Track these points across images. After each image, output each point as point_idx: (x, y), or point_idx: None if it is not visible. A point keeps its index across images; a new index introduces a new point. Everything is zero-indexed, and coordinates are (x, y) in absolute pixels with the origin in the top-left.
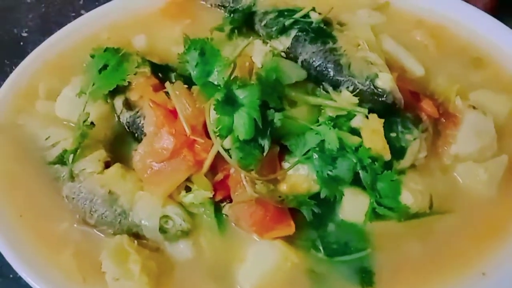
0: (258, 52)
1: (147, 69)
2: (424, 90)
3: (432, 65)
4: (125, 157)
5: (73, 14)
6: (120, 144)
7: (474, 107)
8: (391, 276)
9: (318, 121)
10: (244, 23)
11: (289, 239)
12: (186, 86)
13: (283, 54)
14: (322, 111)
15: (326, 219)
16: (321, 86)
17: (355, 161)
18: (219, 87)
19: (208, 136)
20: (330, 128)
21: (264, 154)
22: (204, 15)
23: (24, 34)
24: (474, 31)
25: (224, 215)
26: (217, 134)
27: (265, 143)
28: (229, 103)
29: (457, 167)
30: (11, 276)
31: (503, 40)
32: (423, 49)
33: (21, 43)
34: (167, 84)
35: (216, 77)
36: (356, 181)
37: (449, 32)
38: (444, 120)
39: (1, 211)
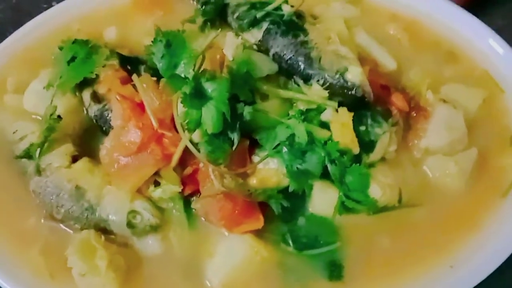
0: (229, 45)
1: (115, 62)
2: (396, 84)
3: (405, 59)
4: (94, 151)
5: (45, 5)
6: (88, 138)
7: (444, 101)
8: (361, 269)
9: (288, 114)
10: (217, 15)
11: (258, 233)
12: (155, 79)
13: (254, 47)
14: (294, 104)
15: (296, 213)
16: (292, 80)
17: (323, 155)
18: (186, 80)
19: (176, 129)
20: (299, 122)
21: (234, 148)
22: (177, 7)
23: None
24: (447, 25)
25: (193, 210)
26: (185, 127)
27: (235, 137)
28: (197, 96)
29: (427, 160)
30: None
31: (476, 34)
32: (396, 43)
33: None
34: (134, 76)
35: (183, 70)
36: (325, 175)
37: (423, 26)
38: (414, 114)
39: None
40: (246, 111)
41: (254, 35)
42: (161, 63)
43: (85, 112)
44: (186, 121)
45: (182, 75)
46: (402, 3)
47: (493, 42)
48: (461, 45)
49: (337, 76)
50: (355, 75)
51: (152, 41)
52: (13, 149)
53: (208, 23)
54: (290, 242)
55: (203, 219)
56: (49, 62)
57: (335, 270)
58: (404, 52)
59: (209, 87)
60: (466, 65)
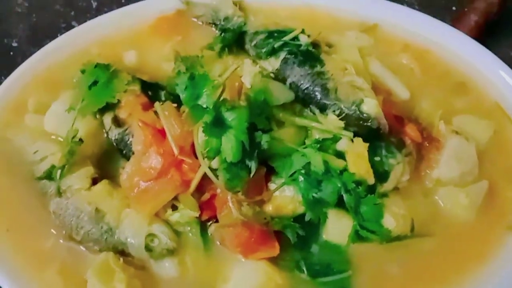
0: (247, 73)
1: (136, 87)
2: (409, 114)
3: (417, 89)
4: (113, 174)
5: (64, 25)
6: (108, 161)
7: (457, 132)
8: None
9: (304, 143)
10: (235, 42)
11: (273, 260)
12: (175, 105)
13: (272, 75)
14: (309, 132)
15: (310, 241)
16: (308, 109)
17: (339, 185)
18: (207, 110)
19: (196, 156)
20: (316, 151)
21: (251, 175)
22: (195, 32)
23: (14, 44)
24: (458, 55)
25: (209, 235)
26: (204, 155)
27: (252, 165)
28: (218, 125)
29: (439, 191)
30: None
31: (486, 65)
32: (408, 73)
33: (11, 53)
34: (156, 104)
35: (205, 100)
36: (340, 203)
37: (434, 55)
38: (427, 144)
39: None
40: (264, 140)
41: (272, 64)
42: (184, 94)
43: (105, 135)
44: (206, 149)
45: (204, 106)
46: (414, 32)
47: (503, 73)
48: (472, 75)
49: (353, 107)
50: (371, 107)
51: (175, 74)
52: (33, 169)
53: (226, 49)
54: (304, 269)
55: (218, 243)
56: (69, 84)
57: None
58: (416, 81)
59: (229, 116)
60: (476, 96)
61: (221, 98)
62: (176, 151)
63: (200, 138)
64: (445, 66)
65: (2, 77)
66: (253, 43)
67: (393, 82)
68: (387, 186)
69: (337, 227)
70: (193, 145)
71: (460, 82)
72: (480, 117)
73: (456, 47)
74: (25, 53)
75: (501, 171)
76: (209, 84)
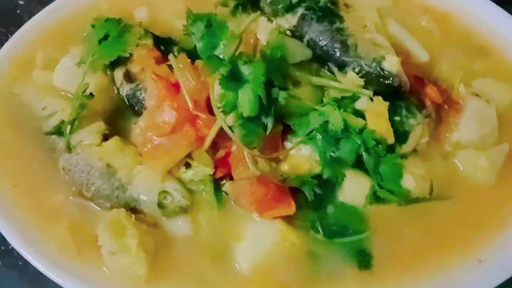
0: (263, 29)
1: (149, 41)
2: (428, 76)
3: (437, 51)
4: (124, 131)
5: None
6: (118, 118)
7: (477, 95)
8: (388, 259)
9: (322, 102)
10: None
11: (288, 220)
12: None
13: (288, 32)
14: (326, 92)
15: (326, 201)
16: (326, 67)
17: (359, 142)
18: (224, 62)
19: (210, 112)
20: (334, 109)
21: (267, 132)
22: None
23: (21, 2)
24: (479, 19)
25: (223, 193)
26: (220, 109)
27: (269, 122)
28: (234, 79)
29: (458, 154)
30: (2, 248)
31: (507, 29)
32: (428, 35)
33: (18, 11)
34: (170, 56)
35: (221, 51)
36: (357, 165)
37: (454, 19)
38: (447, 107)
39: None
40: (281, 96)
41: (289, 21)
42: (200, 43)
43: (116, 91)
44: (222, 103)
45: (221, 57)
46: None
47: None
48: (492, 39)
49: (374, 64)
50: (392, 64)
51: (191, 21)
52: (41, 125)
53: (240, 7)
54: (320, 229)
55: (232, 202)
56: (79, 40)
57: (364, 259)
58: (435, 44)
59: (245, 70)
60: (497, 60)
61: (238, 52)
62: (191, 105)
63: (216, 91)
64: (465, 29)
65: (9, 36)
66: (268, 0)
67: (412, 44)
68: (406, 147)
69: (354, 188)
70: (208, 101)
71: (480, 46)
72: (501, 81)
73: (476, 10)
74: (32, 12)
75: None
76: (226, 34)
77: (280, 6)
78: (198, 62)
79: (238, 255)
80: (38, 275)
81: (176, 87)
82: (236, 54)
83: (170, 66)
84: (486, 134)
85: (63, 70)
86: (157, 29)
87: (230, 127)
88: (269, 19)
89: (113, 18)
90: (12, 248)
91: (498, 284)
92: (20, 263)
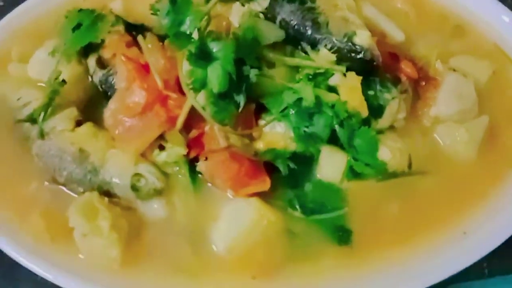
0: (236, 13)
1: (121, 28)
2: (404, 55)
3: (413, 32)
4: (98, 119)
5: None
6: (93, 107)
7: (454, 70)
8: (369, 235)
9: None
10: None
11: (265, 198)
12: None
13: (261, 15)
14: (300, 73)
15: (303, 179)
16: (299, 47)
17: (331, 115)
18: (192, 39)
19: (181, 92)
20: (307, 84)
21: (239, 110)
22: None
23: (1, 3)
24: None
25: (199, 175)
26: (190, 87)
27: (240, 99)
28: (203, 56)
29: (437, 128)
30: None
31: (483, 8)
32: (403, 17)
33: None
34: (139, 37)
35: (188, 27)
36: (333, 141)
37: (429, 0)
38: (424, 83)
39: None
40: (252, 74)
41: (261, 4)
42: (165, 20)
43: (90, 79)
44: (191, 80)
45: (188, 33)
46: None
47: (503, 16)
48: (468, 19)
49: (345, 39)
50: (364, 38)
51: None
52: (15, 115)
53: None
54: (298, 207)
55: (209, 184)
56: (54, 34)
57: (343, 235)
58: (411, 25)
59: (214, 47)
60: (474, 39)
61: (207, 30)
62: (160, 84)
63: (184, 69)
64: (441, 10)
65: None
66: None
67: (388, 25)
68: (382, 122)
69: (330, 164)
70: (178, 81)
71: (457, 25)
72: (478, 58)
73: None
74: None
75: (502, 110)
76: (192, 10)
77: None
78: (166, 42)
79: (215, 236)
80: (13, 268)
81: (146, 68)
82: (205, 32)
83: (141, 50)
84: (465, 109)
85: (38, 61)
86: (131, 19)
87: (201, 108)
88: (241, 4)
89: (86, 9)
90: None
91: (483, 256)
92: None
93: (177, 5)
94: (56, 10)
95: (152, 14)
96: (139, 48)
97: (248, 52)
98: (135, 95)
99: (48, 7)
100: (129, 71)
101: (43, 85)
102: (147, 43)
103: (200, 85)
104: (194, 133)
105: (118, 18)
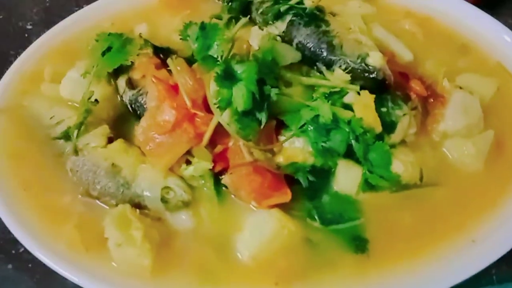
0: (255, 36)
1: (149, 50)
2: (413, 74)
3: (420, 52)
4: (128, 136)
5: (76, 8)
6: (122, 123)
7: (461, 88)
8: (384, 245)
9: (313, 98)
10: (242, 12)
11: (285, 210)
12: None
13: (278, 38)
14: (316, 90)
15: (321, 191)
16: (315, 67)
17: (347, 130)
18: (218, 61)
19: (208, 110)
20: (324, 102)
21: (262, 126)
22: (203, 6)
23: (29, 27)
24: (460, 21)
25: (223, 187)
26: (216, 105)
27: (262, 116)
28: (228, 78)
29: (446, 142)
30: (13, 252)
31: (487, 29)
32: (411, 37)
33: (26, 35)
34: (168, 60)
35: (215, 51)
36: (349, 155)
37: (436, 22)
38: (432, 100)
39: (6, 186)
40: (273, 93)
41: (278, 27)
42: (195, 45)
43: (119, 99)
44: (218, 100)
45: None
46: (416, 1)
47: (505, 36)
48: (473, 38)
49: (359, 61)
50: (376, 59)
51: (186, 25)
52: (50, 132)
53: (233, 20)
54: (316, 217)
55: (233, 196)
56: (85, 55)
57: (360, 244)
58: (419, 45)
59: (238, 69)
60: (479, 57)
61: (231, 53)
62: (189, 104)
63: (211, 89)
64: (446, 30)
65: (17, 56)
66: (259, 11)
67: (397, 45)
68: (395, 137)
69: (346, 177)
70: (205, 100)
71: (462, 44)
72: (483, 75)
73: (456, 12)
74: (39, 34)
75: (507, 124)
76: (219, 35)
77: (269, 15)
78: (195, 65)
79: (239, 244)
80: (47, 277)
81: (175, 89)
82: (229, 55)
83: (169, 72)
84: (471, 123)
85: (69, 82)
86: (156, 43)
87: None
88: (260, 28)
89: (115, 32)
90: (22, 251)
91: (491, 263)
92: (29, 265)
93: (205, 31)
94: (86, 33)
95: (181, 39)
96: (167, 69)
97: (267, 72)
98: (166, 114)
99: (78, 29)
100: (159, 91)
101: (74, 104)
102: (176, 65)
103: (226, 104)
104: (219, 148)
105: (146, 42)
